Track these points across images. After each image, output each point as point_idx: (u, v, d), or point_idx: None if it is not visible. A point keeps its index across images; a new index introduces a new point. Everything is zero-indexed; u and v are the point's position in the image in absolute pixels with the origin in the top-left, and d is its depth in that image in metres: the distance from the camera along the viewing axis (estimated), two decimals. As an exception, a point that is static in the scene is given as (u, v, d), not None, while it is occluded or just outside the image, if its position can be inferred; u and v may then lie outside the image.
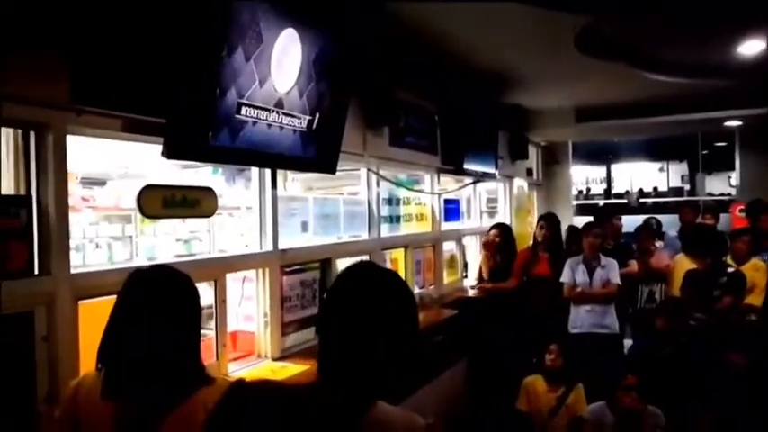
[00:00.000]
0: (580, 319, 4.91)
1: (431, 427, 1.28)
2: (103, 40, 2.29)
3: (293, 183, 4.06)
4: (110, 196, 2.78)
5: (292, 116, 2.95)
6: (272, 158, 2.98)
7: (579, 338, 4.78)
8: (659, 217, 10.87)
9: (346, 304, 1.29)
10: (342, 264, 3.94)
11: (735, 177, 10.47)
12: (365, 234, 4.31)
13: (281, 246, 3.41)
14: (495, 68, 5.12)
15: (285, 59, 2.84)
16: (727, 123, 7.94)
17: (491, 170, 6.02)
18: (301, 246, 3.64)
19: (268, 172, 3.32)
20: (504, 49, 4.60)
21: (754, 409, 3.33)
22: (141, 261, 2.68)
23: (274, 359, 3.31)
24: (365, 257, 4.22)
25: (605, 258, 4.99)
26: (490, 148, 6.00)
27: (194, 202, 2.76)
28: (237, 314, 3.35)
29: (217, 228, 3.09)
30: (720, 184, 16.31)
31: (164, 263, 2.36)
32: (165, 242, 2.86)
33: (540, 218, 5.76)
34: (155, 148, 2.57)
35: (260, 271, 3.31)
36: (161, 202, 2.60)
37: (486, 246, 5.69)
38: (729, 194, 14.86)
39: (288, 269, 3.54)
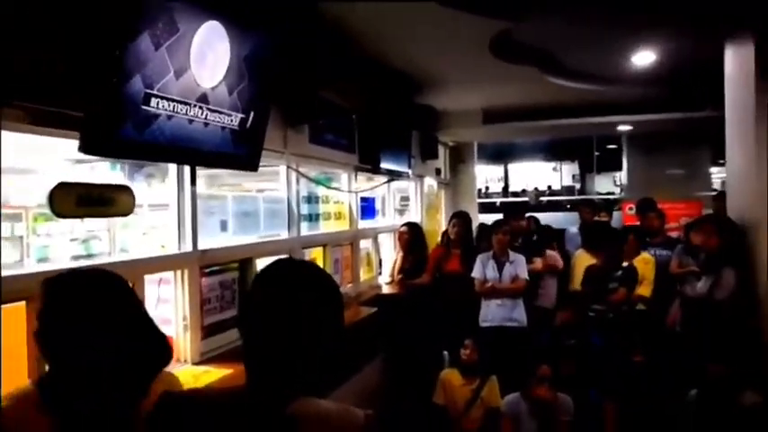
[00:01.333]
0: (491, 313, 5.10)
1: (369, 417, 1.29)
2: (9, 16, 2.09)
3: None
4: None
5: (220, 113, 2.85)
6: (195, 155, 2.86)
7: (489, 332, 4.97)
8: (556, 214, 11.52)
9: (268, 299, 1.25)
10: (262, 263, 3.85)
11: (622, 177, 11.33)
12: (285, 233, 4.24)
13: (201, 246, 3.28)
14: (411, 70, 5.22)
15: (209, 53, 2.73)
16: (619, 128, 8.56)
17: (405, 169, 6.12)
18: (221, 246, 3.52)
19: (187, 169, 3.18)
20: (421, 50, 4.70)
21: (652, 395, 3.62)
22: (32, 263, 2.47)
23: (194, 363, 3.18)
24: (285, 257, 4.14)
25: (514, 254, 5.20)
26: (404, 148, 6.09)
27: (110, 201, 2.59)
28: (154, 317, 3.18)
29: (118, 227, 2.88)
30: (607, 184, 17.51)
31: (96, 266, 2.17)
32: (60, 242, 2.63)
33: (454, 215, 5.92)
34: (47, 141, 2.39)
35: (178, 272, 3.17)
36: (75, 201, 2.42)
37: (399, 243, 5.85)
38: (614, 193, 16.02)
39: (207, 270, 3.41)
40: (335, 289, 1.33)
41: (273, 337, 1.22)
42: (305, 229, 4.52)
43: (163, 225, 3.16)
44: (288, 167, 4.22)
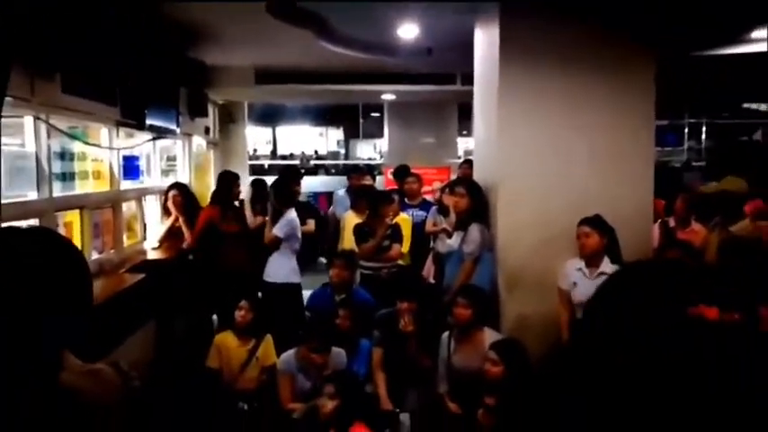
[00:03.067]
0: (267, 269, 5.19)
1: (127, 374, 1.26)
2: None
3: None
4: None
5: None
6: None
7: (264, 288, 5.07)
8: (322, 178, 11.93)
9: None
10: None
11: (383, 144, 12.13)
12: (34, 193, 3.72)
13: None
14: (182, 20, 4.89)
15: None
16: (384, 96, 9.10)
17: (173, 126, 5.77)
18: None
19: None
20: (195, 2, 4.44)
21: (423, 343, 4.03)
22: None
23: None
24: (35, 221, 3.66)
25: (286, 215, 5.29)
26: (172, 104, 5.73)
27: None
28: None
29: None
30: (369, 150, 18.58)
31: None
32: None
33: (221, 175, 5.77)
34: None
35: None
36: None
37: (174, 206, 5.53)
38: (375, 159, 17.10)
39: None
40: (71, 254, 1.19)
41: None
42: (58, 190, 4.02)
43: None
44: (36, 119, 3.69)
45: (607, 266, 3.86)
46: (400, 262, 5.59)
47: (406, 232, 5.67)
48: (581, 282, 3.91)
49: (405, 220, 5.78)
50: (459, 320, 3.83)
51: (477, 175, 4.90)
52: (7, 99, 2.97)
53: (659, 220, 5.06)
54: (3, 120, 3.01)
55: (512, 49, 4.31)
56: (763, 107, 13.72)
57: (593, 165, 4.36)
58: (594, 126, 4.36)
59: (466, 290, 3.97)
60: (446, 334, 3.96)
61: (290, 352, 3.98)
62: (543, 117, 4.34)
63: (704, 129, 13.02)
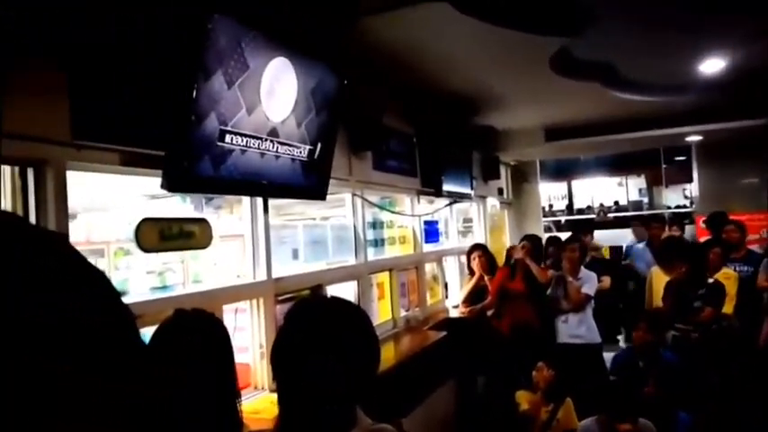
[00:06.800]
0: (559, 330, 5.04)
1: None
2: (101, 70, 2.25)
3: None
4: (80, 230, 2.62)
5: (290, 145, 2.96)
6: (267, 187, 2.97)
7: (562, 349, 4.89)
8: (621, 231, 11.17)
9: (295, 338, 1.30)
10: (331, 289, 3.93)
11: (693, 190, 10.88)
12: (352, 258, 4.30)
13: (274, 274, 3.38)
14: (470, 91, 5.23)
15: (277, 88, 2.85)
16: (688, 138, 8.25)
17: (467, 191, 6.11)
18: (294, 273, 3.60)
19: (260, 200, 3.29)
20: (479, 72, 4.72)
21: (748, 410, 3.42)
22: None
23: (272, 390, 3.25)
24: (354, 282, 4.21)
25: (584, 271, 5.10)
26: (466, 169, 6.10)
27: (190, 234, 2.72)
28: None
29: (189, 258, 2.95)
30: (677, 197, 16.79)
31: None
32: (138, 275, 2.72)
33: (524, 237, 5.82)
34: (123, 179, 2.52)
35: (254, 301, 3.26)
36: (158, 236, 2.55)
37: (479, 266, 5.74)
38: (685, 206, 15.37)
39: (280, 297, 3.50)
40: (364, 323, 1.37)
41: (304, 375, 1.26)
42: (371, 255, 4.58)
43: (232, 255, 3.25)
44: (353, 195, 4.30)
45: None
46: (723, 324, 4.86)
47: (730, 290, 4.91)
48: None
49: (729, 276, 5.04)
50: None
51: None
52: (332, 179, 3.52)
53: None
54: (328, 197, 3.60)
55: None
56: None
57: None
58: None
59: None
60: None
61: (591, 419, 3.73)
62: None
63: None
